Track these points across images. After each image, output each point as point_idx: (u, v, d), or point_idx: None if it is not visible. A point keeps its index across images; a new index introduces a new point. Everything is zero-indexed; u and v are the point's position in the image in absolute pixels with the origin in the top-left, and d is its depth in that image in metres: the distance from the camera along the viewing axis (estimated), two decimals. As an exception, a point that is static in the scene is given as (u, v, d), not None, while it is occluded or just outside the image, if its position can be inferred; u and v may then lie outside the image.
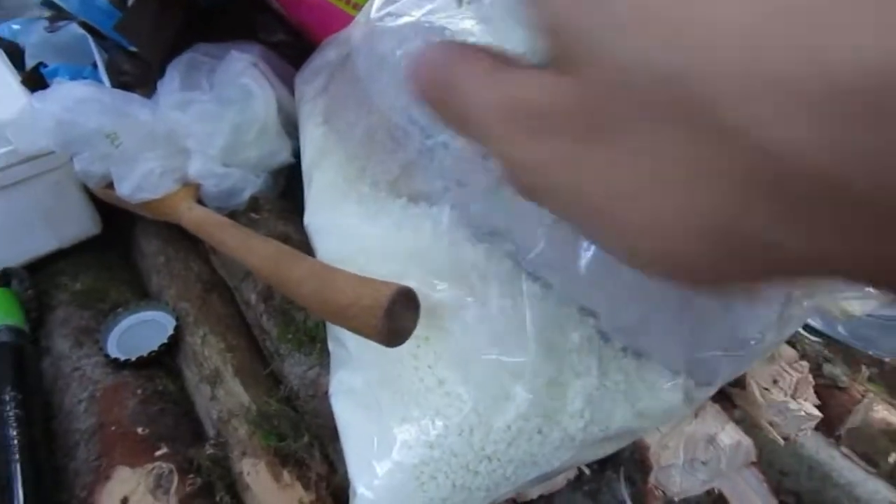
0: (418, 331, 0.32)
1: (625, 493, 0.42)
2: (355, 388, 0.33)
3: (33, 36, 0.54)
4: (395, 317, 0.27)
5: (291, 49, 0.56)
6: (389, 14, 0.40)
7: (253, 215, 0.49)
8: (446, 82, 0.17)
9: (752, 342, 0.32)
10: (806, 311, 0.33)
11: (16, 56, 0.57)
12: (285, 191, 0.52)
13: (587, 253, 0.31)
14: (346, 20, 0.50)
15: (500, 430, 0.30)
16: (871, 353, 0.45)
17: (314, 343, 0.39)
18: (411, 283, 0.34)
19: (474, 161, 0.34)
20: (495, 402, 0.30)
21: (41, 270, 0.49)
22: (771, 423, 0.36)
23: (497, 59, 0.17)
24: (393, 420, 0.31)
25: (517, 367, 0.31)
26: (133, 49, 0.47)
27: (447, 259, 0.35)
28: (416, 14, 0.39)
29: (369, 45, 0.40)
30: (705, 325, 0.31)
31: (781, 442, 0.36)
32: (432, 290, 0.34)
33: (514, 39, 0.39)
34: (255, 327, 0.44)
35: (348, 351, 0.34)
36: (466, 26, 0.39)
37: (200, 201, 0.48)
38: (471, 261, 0.34)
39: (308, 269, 0.32)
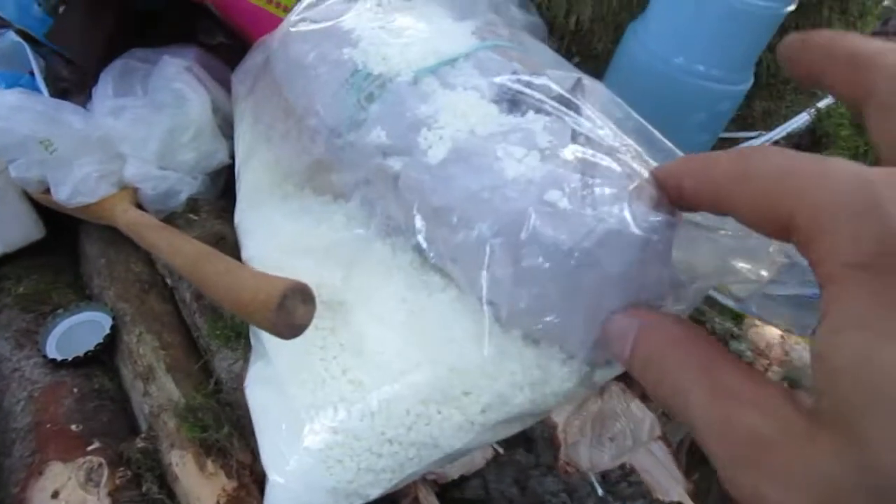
0: (326, 322, 0.34)
1: (593, 477, 0.44)
2: (267, 379, 0.34)
3: (-26, 44, 0.55)
4: (288, 311, 0.29)
5: (231, 51, 0.58)
6: (304, 20, 0.42)
7: (191, 216, 0.50)
8: (659, 366, 0.20)
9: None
10: (697, 293, 0.34)
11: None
12: (225, 191, 0.54)
13: (488, 242, 0.32)
14: (278, 22, 0.52)
15: (399, 415, 0.31)
16: (783, 329, 0.47)
17: (240, 338, 0.40)
18: (322, 278, 0.36)
19: (375, 159, 0.36)
20: (395, 389, 0.32)
21: (-13, 274, 0.51)
22: (673, 402, 0.38)
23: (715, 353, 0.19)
24: (301, 408, 0.32)
25: (418, 356, 0.32)
26: (65, 53, 0.48)
27: (357, 253, 0.37)
28: (330, 22, 0.41)
29: (285, 50, 0.42)
30: (598, 309, 0.33)
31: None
32: (341, 284, 0.35)
33: (450, 37, 0.40)
34: (190, 324, 0.45)
35: (262, 343, 0.35)
36: (372, 26, 0.40)
37: (139, 205, 0.49)
38: (378, 255, 0.36)
39: (221, 268, 0.34)
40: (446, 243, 0.34)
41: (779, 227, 0.18)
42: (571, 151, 0.34)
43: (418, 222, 0.35)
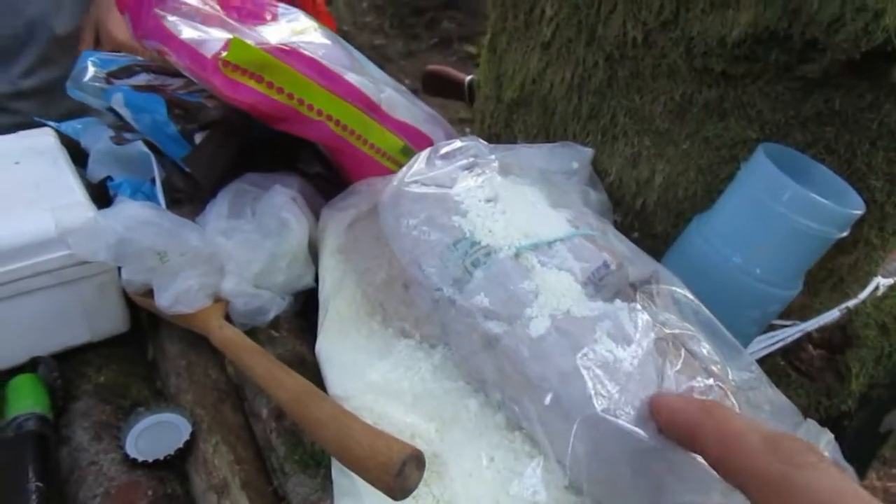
0: (420, 473, 0.37)
1: None
2: (357, 522, 0.37)
3: (100, 143, 0.60)
4: (405, 476, 0.32)
5: (325, 181, 0.63)
6: (416, 182, 0.47)
7: (273, 333, 0.54)
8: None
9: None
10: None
11: (76, 153, 0.63)
12: (303, 308, 0.58)
13: (575, 421, 0.36)
14: (378, 168, 0.58)
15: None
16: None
17: (319, 467, 0.43)
18: (416, 428, 0.39)
19: (476, 319, 0.40)
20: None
21: (68, 358, 0.53)
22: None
23: None
24: (389, 558, 0.34)
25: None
26: (194, 177, 0.53)
27: (447, 407, 0.40)
28: (442, 189, 0.46)
29: (396, 205, 0.47)
30: (664, 489, 0.36)
31: None
32: (434, 437, 0.39)
33: (548, 220, 0.45)
34: (261, 440, 0.48)
35: (353, 483, 0.38)
36: (479, 200, 0.46)
37: (227, 316, 0.53)
38: (469, 411, 0.39)
39: (329, 413, 0.37)
40: (536, 411, 0.37)
41: None
42: (652, 345, 0.39)
43: (512, 387, 0.39)
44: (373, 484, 0.33)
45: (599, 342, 0.37)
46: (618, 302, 0.41)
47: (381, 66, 0.69)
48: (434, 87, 1.28)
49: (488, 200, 0.45)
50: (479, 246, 0.43)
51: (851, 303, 0.64)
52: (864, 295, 0.65)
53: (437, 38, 3.20)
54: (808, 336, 0.62)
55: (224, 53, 0.45)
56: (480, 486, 0.36)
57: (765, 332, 0.62)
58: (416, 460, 0.33)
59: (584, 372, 0.36)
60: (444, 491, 0.36)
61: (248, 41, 0.49)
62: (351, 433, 0.35)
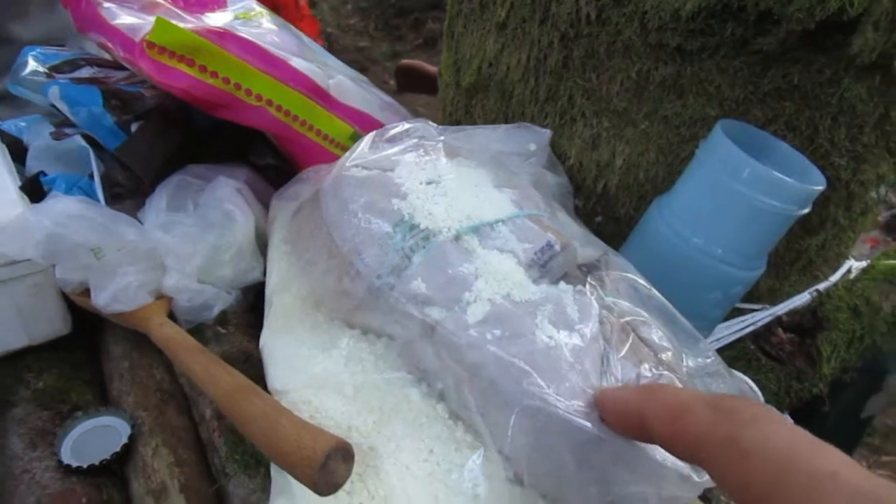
0: (354, 468, 0.35)
1: None
2: (290, 522, 0.35)
3: (39, 139, 0.58)
4: (330, 469, 0.30)
5: (277, 172, 0.61)
6: (357, 165, 0.45)
7: (220, 329, 0.52)
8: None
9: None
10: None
11: (18, 151, 0.61)
12: (254, 304, 0.55)
13: (514, 410, 0.34)
14: (326, 156, 0.56)
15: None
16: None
17: (259, 466, 0.41)
18: (353, 420, 0.37)
19: (412, 307, 0.38)
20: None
21: (6, 364, 0.51)
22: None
23: None
24: (322, 557, 0.32)
25: (444, 514, 0.33)
26: (132, 169, 0.51)
27: (388, 398, 0.38)
28: (383, 172, 0.44)
29: (336, 190, 0.45)
30: (610, 480, 0.34)
31: None
32: (372, 429, 0.37)
33: (491, 202, 0.43)
34: (206, 442, 0.46)
35: (287, 481, 0.36)
36: (420, 182, 0.44)
37: (171, 313, 0.50)
38: (410, 402, 0.37)
39: (259, 409, 0.35)
40: (475, 401, 0.35)
41: None
42: (597, 330, 0.37)
43: (451, 376, 0.37)
44: (298, 479, 0.31)
45: (540, 327, 0.36)
46: (562, 284, 0.39)
47: (366, 69, 0.67)
48: (407, 83, 1.26)
49: (430, 182, 0.43)
50: (419, 229, 0.41)
51: (822, 286, 0.62)
52: (835, 278, 0.64)
53: (422, 39, 3.18)
54: (778, 320, 0.60)
55: (148, 35, 0.43)
56: (418, 480, 0.34)
57: (734, 316, 0.60)
58: (343, 452, 0.31)
59: (522, 360, 0.34)
60: (379, 485, 0.34)
61: (182, 25, 0.47)
62: (279, 429, 0.33)
